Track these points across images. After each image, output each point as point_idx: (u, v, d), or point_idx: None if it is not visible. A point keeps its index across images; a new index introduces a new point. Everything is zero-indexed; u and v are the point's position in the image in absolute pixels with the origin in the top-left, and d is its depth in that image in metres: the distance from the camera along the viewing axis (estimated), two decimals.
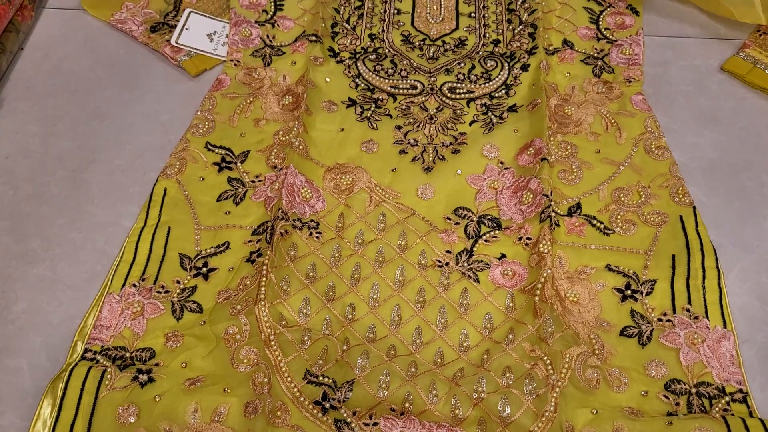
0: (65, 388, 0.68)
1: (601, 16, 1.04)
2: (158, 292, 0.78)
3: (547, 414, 0.66)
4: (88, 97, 0.99)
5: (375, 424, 0.65)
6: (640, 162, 0.87)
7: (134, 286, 0.78)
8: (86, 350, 0.73)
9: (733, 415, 0.66)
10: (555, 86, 0.95)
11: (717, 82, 0.97)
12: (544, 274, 0.75)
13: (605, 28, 1.02)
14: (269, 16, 1.06)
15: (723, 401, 0.68)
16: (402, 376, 0.69)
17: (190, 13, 1.04)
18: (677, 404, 0.69)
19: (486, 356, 0.72)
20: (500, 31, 1.03)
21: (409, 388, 0.68)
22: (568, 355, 0.70)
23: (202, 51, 1.01)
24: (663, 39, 1.02)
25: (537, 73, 0.95)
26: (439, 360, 0.73)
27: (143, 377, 0.70)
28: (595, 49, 1.00)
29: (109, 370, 0.70)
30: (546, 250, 0.77)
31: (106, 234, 0.84)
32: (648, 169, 0.86)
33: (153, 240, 0.82)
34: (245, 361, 0.71)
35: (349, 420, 0.66)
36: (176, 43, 1.00)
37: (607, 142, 0.90)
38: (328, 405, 0.67)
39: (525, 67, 0.97)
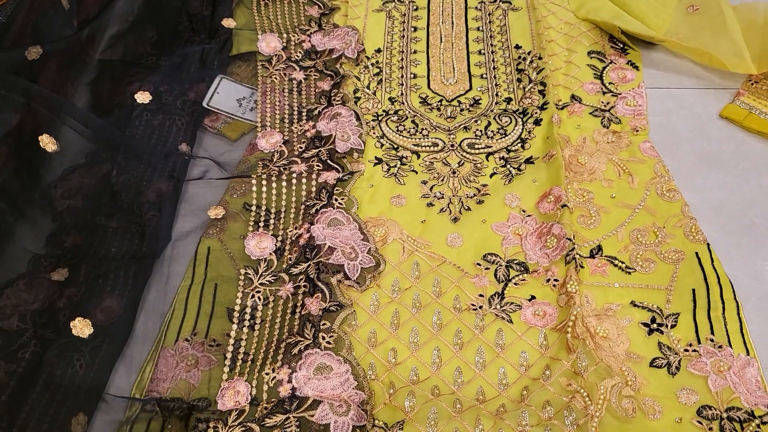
0: None
1: (604, 72, 1.12)
2: (210, 345, 0.82)
3: None
4: None
5: None
6: (653, 204, 0.93)
7: (187, 340, 0.82)
8: (145, 402, 0.76)
9: None
10: (567, 138, 1.02)
11: (717, 127, 1.04)
12: (574, 312, 0.80)
13: (609, 83, 1.10)
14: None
15: (753, 424, 0.72)
16: (448, 413, 0.74)
17: (221, 78, 1.12)
18: (710, 429, 0.73)
19: (525, 392, 0.76)
20: (511, 89, 1.11)
21: (456, 424, 0.72)
22: (603, 387, 0.74)
23: (231, 114, 1.07)
24: (663, 90, 1.10)
25: (549, 127, 1.02)
26: (480, 397, 0.77)
27: (202, 426, 0.73)
28: (602, 102, 1.07)
29: (168, 420, 0.74)
30: (574, 290, 0.82)
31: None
32: (661, 210, 0.92)
33: (201, 296, 0.87)
34: None
35: None
36: (207, 105, 1.07)
37: (620, 187, 0.96)
38: None
39: (537, 122, 1.04)
